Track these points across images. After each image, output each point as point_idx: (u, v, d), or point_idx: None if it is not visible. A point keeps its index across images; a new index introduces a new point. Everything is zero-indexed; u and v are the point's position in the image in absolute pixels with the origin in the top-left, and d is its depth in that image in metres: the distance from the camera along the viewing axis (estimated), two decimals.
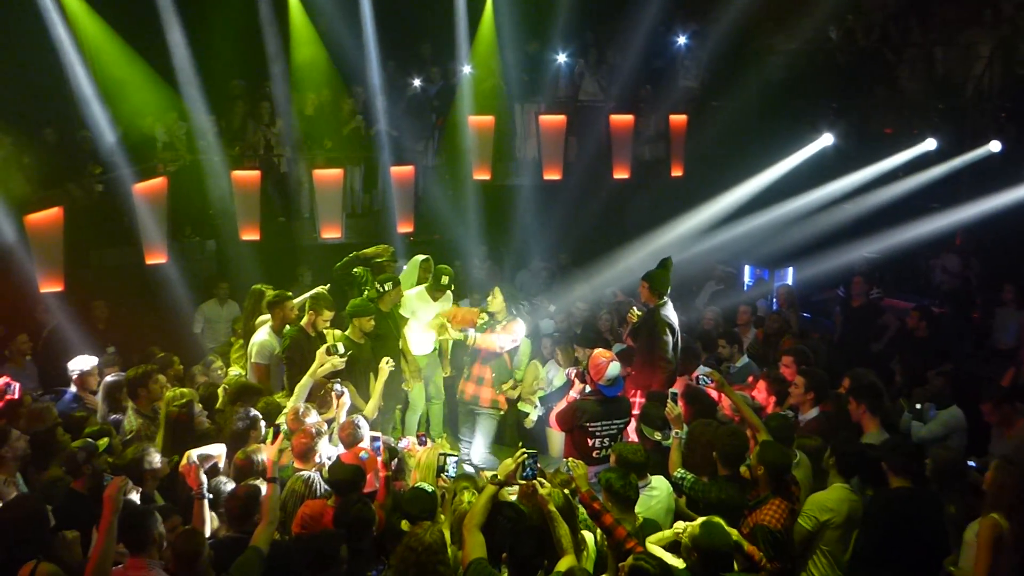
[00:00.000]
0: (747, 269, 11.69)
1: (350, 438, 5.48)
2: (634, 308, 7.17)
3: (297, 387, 5.94)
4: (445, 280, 7.62)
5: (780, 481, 4.67)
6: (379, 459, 5.08)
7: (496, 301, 7.34)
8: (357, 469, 4.76)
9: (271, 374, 6.69)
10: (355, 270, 7.34)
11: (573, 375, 6.16)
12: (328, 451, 5.37)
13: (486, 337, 7.17)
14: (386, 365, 6.36)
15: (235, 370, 7.13)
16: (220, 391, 6.26)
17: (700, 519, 4.09)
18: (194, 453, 4.81)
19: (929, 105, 11.54)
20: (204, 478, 4.67)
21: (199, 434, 5.55)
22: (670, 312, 6.81)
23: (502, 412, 7.43)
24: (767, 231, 11.20)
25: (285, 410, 5.67)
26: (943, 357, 7.87)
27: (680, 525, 4.29)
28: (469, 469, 7.04)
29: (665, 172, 12.07)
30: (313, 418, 5.49)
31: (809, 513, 4.67)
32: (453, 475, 4.90)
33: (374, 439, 5.28)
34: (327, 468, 4.97)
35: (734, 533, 4.17)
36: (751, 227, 11.26)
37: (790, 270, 11.12)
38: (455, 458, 4.98)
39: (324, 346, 6.13)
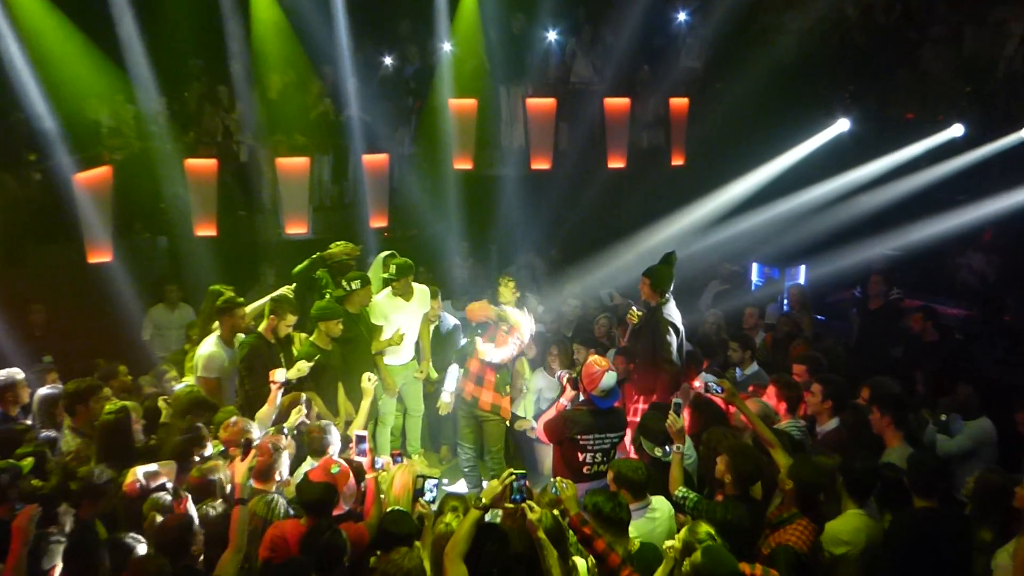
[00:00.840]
0: (755, 267, 11.71)
1: (317, 445, 5.43)
2: (634, 308, 7.20)
3: (257, 415, 5.90)
4: (391, 269, 7.49)
5: (810, 501, 4.67)
6: (364, 462, 5.07)
7: (507, 291, 7.29)
8: (327, 487, 4.71)
9: (221, 388, 6.64)
10: (316, 273, 7.28)
11: (564, 380, 6.09)
12: (286, 468, 5.31)
13: (490, 348, 7.06)
14: (368, 383, 6.30)
15: (188, 379, 7.05)
16: (161, 403, 6.17)
17: (701, 545, 4.09)
18: (140, 471, 4.73)
19: (955, 88, 11.56)
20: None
21: (142, 451, 5.49)
22: (673, 311, 6.86)
23: (507, 421, 7.36)
24: (777, 226, 11.22)
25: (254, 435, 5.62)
26: (967, 363, 7.86)
27: (670, 541, 4.32)
28: (457, 488, 6.94)
29: (664, 161, 12.09)
30: (255, 432, 5.44)
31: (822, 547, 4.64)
32: (432, 500, 4.85)
33: (359, 439, 5.25)
34: (295, 487, 4.93)
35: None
36: (759, 221, 11.28)
37: (802, 268, 11.14)
38: (434, 480, 4.92)
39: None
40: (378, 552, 4.38)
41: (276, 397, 6.01)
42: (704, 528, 4.26)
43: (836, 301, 11.16)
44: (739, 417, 5.83)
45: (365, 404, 6.25)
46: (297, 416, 5.93)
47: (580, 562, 4.40)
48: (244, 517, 4.51)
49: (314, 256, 7.36)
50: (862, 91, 12.19)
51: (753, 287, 11.46)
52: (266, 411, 6.00)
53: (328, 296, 7.12)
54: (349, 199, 11.72)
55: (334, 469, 4.94)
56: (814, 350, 7.50)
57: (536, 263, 11.58)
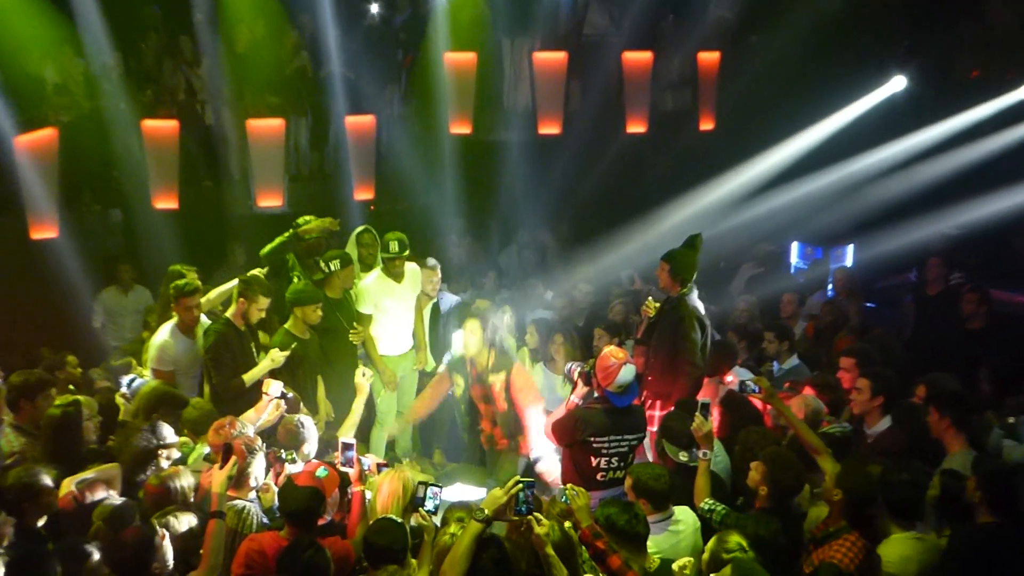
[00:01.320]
0: (794, 248, 11.71)
1: (291, 443, 5.45)
2: (650, 298, 7.15)
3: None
4: (394, 247, 7.47)
5: (861, 513, 4.67)
6: (351, 472, 5.05)
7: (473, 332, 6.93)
8: (313, 495, 4.70)
9: (177, 383, 6.66)
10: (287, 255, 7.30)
11: (576, 374, 6.07)
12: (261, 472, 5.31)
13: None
14: (363, 379, 6.29)
15: (146, 372, 7.07)
16: (118, 399, 6.18)
17: (730, 556, 4.13)
18: (72, 482, 4.74)
19: None
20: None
21: (97, 454, 5.52)
22: (696, 303, 6.79)
23: None
24: (820, 200, 11.22)
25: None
26: None
27: (682, 561, 4.34)
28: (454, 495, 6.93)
29: (692, 125, 12.07)
30: (248, 431, 5.44)
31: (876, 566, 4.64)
32: (433, 509, 4.83)
33: (346, 447, 5.20)
34: (277, 492, 4.96)
35: None
36: (800, 195, 11.27)
37: (849, 249, 11.13)
38: (437, 488, 4.91)
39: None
40: (364, 565, 4.39)
41: (267, 408, 5.98)
42: (735, 538, 4.28)
43: (888, 287, 11.17)
44: (778, 418, 5.82)
45: (358, 404, 6.20)
46: (276, 413, 5.93)
47: None
48: (221, 533, 4.52)
49: (285, 234, 7.35)
50: (919, 45, 12.16)
51: (792, 270, 11.47)
52: (251, 417, 5.98)
53: (297, 279, 7.11)
54: (330, 168, 11.71)
55: (321, 473, 4.93)
56: (862, 342, 7.48)
57: (545, 241, 11.55)
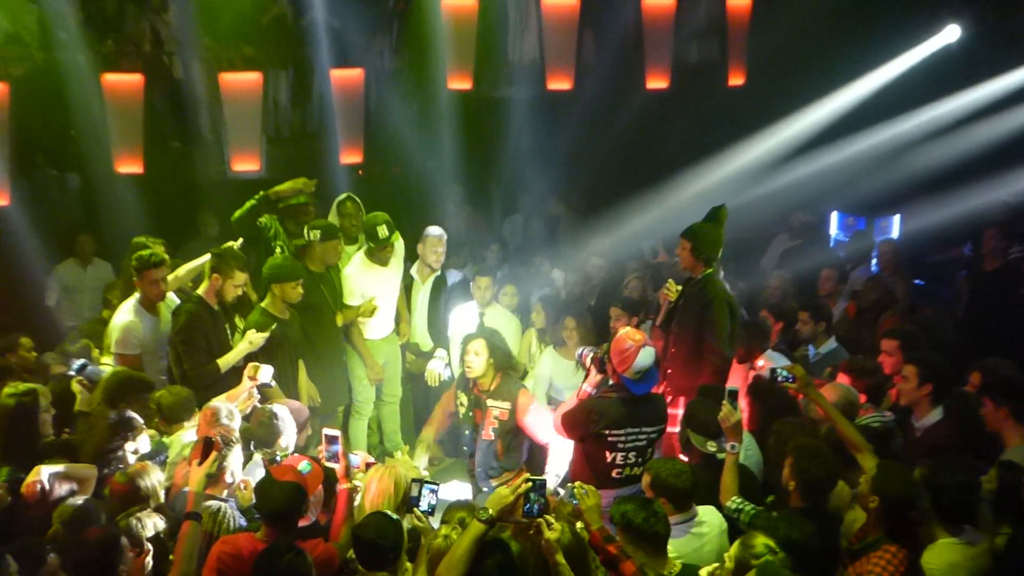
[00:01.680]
0: (834, 218, 11.75)
1: (265, 436, 5.46)
2: (671, 281, 7.10)
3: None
4: (382, 232, 7.45)
5: (900, 520, 4.68)
6: (337, 467, 5.06)
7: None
8: (295, 492, 4.69)
9: (144, 367, 6.67)
10: (261, 219, 7.22)
11: (588, 360, 6.03)
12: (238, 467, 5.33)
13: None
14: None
15: (107, 360, 7.06)
16: (75, 386, 6.16)
17: (759, 561, 4.14)
18: (45, 471, 4.71)
19: None
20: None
21: (55, 447, 5.53)
22: (724, 285, 6.81)
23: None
24: (863, 164, 11.26)
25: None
26: None
27: (711, 567, 4.37)
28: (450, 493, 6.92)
29: (720, 80, 11.91)
30: (236, 422, 5.50)
31: None
32: (429, 510, 4.84)
33: (330, 440, 5.21)
34: (253, 489, 4.96)
35: None
36: (841, 159, 11.27)
37: (896, 219, 11.15)
38: (433, 486, 4.90)
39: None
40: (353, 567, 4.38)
41: (240, 397, 5.98)
42: (761, 540, 4.27)
43: (940, 262, 11.18)
44: (814, 409, 5.79)
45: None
46: (249, 403, 5.92)
47: None
48: (195, 536, 4.54)
49: (256, 197, 7.31)
50: None
51: (831, 243, 11.49)
52: (231, 395, 6.05)
53: (276, 251, 7.09)
54: (313, 128, 11.72)
55: (304, 468, 4.91)
56: (909, 323, 7.44)
57: (555, 211, 11.51)
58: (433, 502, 4.85)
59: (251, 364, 6.15)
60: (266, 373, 6.05)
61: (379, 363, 7.76)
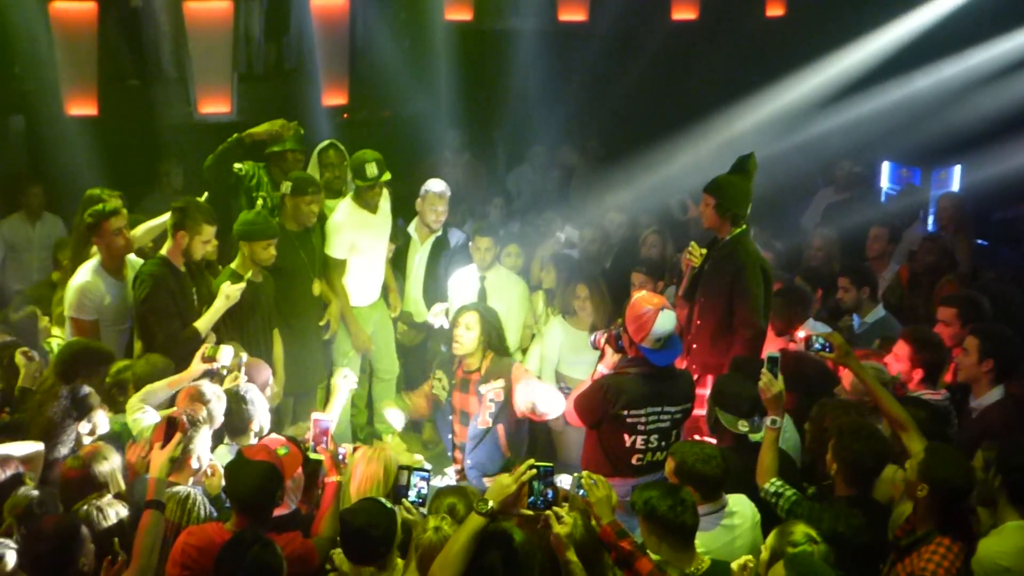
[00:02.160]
0: (885, 168, 11.71)
1: (236, 420, 5.58)
2: (693, 244, 7.03)
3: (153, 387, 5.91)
4: (371, 170, 7.47)
5: (952, 511, 4.68)
6: (323, 458, 5.10)
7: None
8: (267, 472, 4.70)
9: (100, 335, 6.67)
10: (237, 165, 7.23)
11: (603, 341, 6.06)
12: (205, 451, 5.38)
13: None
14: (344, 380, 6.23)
15: (57, 332, 7.15)
16: (19, 358, 6.18)
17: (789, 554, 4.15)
18: None
19: None
20: None
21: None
22: (756, 247, 6.81)
23: None
24: (919, 107, 11.12)
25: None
26: None
27: (743, 559, 4.39)
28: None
29: (757, 9, 11.94)
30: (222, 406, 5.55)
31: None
32: (419, 500, 4.89)
33: (318, 422, 5.26)
34: (222, 472, 4.99)
35: None
36: (893, 101, 11.21)
37: (956, 170, 11.12)
38: (424, 474, 4.95)
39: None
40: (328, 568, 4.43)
41: (188, 380, 5.98)
42: (802, 528, 4.30)
43: (1007, 219, 11.15)
44: (856, 385, 5.82)
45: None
46: (233, 382, 5.98)
47: None
48: (157, 527, 4.54)
49: (228, 140, 7.34)
50: None
51: (882, 197, 11.44)
52: (176, 380, 6.02)
53: (257, 203, 7.12)
54: (291, 64, 11.67)
55: (281, 451, 4.94)
56: (971, 289, 7.46)
57: (569, 160, 11.50)
58: (424, 491, 4.90)
59: (207, 345, 6.10)
60: (226, 355, 6.00)
61: (366, 331, 7.79)
